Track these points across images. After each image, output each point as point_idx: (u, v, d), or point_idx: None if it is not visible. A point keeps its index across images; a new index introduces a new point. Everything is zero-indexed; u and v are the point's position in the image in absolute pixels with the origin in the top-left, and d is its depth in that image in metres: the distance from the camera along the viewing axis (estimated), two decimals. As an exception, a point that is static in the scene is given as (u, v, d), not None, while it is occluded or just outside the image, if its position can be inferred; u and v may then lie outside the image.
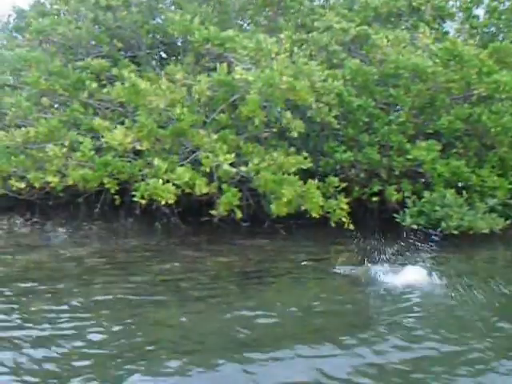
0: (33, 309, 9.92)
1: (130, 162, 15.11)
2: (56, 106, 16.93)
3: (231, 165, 14.50)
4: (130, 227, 16.34)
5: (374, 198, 16.03)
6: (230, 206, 14.44)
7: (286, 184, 14.34)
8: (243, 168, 14.69)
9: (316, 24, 18.17)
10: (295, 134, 14.91)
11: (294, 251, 14.16)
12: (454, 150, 15.97)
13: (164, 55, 19.36)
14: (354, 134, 16.13)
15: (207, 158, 14.40)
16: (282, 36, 16.36)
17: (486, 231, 14.91)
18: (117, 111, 16.69)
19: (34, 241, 14.99)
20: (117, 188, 14.97)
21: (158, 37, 18.77)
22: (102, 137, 15.17)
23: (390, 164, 15.84)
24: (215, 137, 14.72)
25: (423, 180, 15.97)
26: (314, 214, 14.52)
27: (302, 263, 13.09)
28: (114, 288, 11.00)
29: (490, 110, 15.63)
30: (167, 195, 13.85)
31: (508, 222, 15.28)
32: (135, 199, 14.44)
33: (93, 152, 14.88)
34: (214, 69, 16.19)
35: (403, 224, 14.94)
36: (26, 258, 13.12)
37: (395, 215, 15.23)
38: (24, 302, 10.23)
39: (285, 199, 14.21)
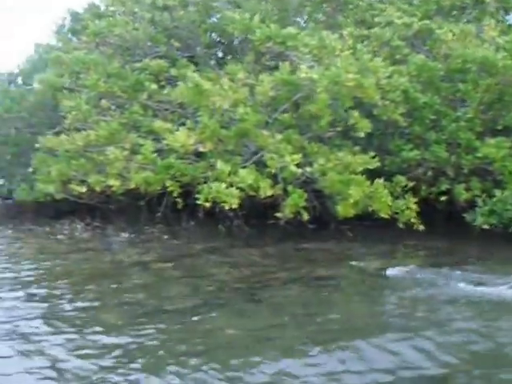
0: (100, 319, 9.47)
1: (191, 164, 14.68)
2: (114, 108, 16.52)
3: (296, 165, 13.99)
4: (192, 230, 15.89)
5: (442, 198, 15.37)
6: (296, 207, 13.91)
7: (353, 184, 13.78)
8: (308, 169, 14.16)
9: (377, 19, 17.56)
10: (362, 134, 14.35)
11: (362, 254, 13.57)
12: (525, 147, 15.27)
13: (221, 54, 18.84)
14: (421, 132, 15.49)
15: (272, 159, 13.89)
16: (344, 32, 15.77)
17: (561, 230, 14.26)
18: (177, 112, 16.27)
19: (97, 246, 14.61)
20: (179, 191, 14.54)
21: (215, 36, 18.27)
22: (163, 139, 14.79)
23: (458, 162, 15.17)
24: (280, 137, 14.21)
25: (492, 178, 15.28)
26: (383, 215, 13.94)
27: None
28: (181, 296, 10.55)
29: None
30: (231, 200, 13.35)
31: None
32: (199, 202, 14.00)
33: (154, 154, 14.48)
34: (275, 67, 15.74)
35: (474, 224, 14.29)
36: (90, 265, 12.72)
37: (465, 215, 14.57)
38: (91, 313, 9.76)
39: (352, 200, 13.65)
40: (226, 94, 14.27)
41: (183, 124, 15.16)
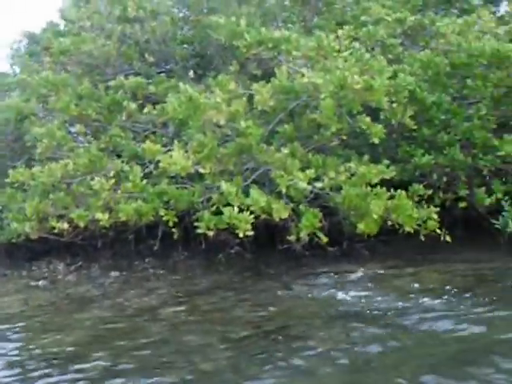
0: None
1: (185, 188, 12.42)
2: (89, 132, 14.17)
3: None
4: (189, 263, 13.48)
5: (461, 204, 13.39)
6: (312, 228, 11.74)
7: (372, 198, 11.70)
8: (318, 184, 11.98)
9: (363, 18, 15.55)
10: (376, 141, 12.24)
11: (395, 276, 11.45)
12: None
13: (198, 67, 16.48)
14: (431, 135, 13.48)
15: (282, 176, 11.70)
16: (339, 32, 13.62)
17: None
18: (158, 133, 13.99)
19: (88, 291, 12.07)
20: (175, 220, 12.28)
21: (190, 47, 15.98)
22: (150, 162, 12.59)
23: (474, 164, 13.21)
24: (286, 151, 12.04)
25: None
26: (408, 229, 11.81)
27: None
28: (212, 350, 8.27)
29: None
30: (244, 225, 11.11)
31: None
32: (199, 231, 11.77)
33: (144, 181, 12.20)
34: (263, 76, 13.72)
35: (508, 231, 12.30)
36: (88, 317, 10.19)
37: (494, 221, 12.58)
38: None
39: (375, 215, 11.54)
40: (222, 107, 12.04)
41: (165, 146, 12.88)
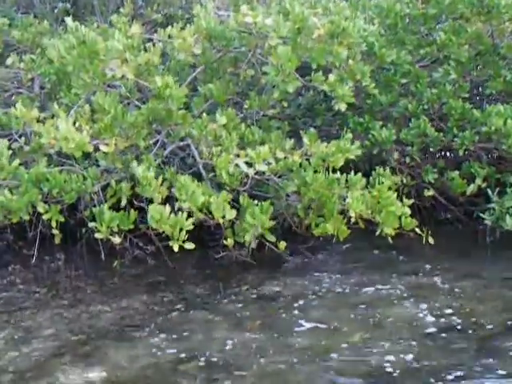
0: None
1: (71, 172, 7.94)
2: None
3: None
4: (73, 275, 8.87)
5: (428, 193, 9.66)
6: (262, 229, 7.61)
7: (341, 187, 7.77)
8: (262, 167, 7.83)
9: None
10: (343, 107, 8.26)
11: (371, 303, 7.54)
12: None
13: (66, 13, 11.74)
14: (389, 103, 9.67)
15: (218, 155, 7.50)
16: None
17: None
18: (25, 94, 9.37)
19: None
20: (60, 218, 7.82)
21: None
22: (21, 136, 8.06)
23: (448, 142, 9.54)
24: (224, 121, 7.83)
25: (489, 161, 9.82)
26: (388, 231, 7.92)
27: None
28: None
29: None
30: (180, 234, 6.84)
31: None
32: (98, 236, 7.42)
33: (16, 162, 7.61)
34: (163, 24, 9.60)
35: (505, 227, 8.65)
36: None
37: (482, 215, 8.94)
38: None
39: (353, 212, 7.58)
40: (128, 56, 7.65)
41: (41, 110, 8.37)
